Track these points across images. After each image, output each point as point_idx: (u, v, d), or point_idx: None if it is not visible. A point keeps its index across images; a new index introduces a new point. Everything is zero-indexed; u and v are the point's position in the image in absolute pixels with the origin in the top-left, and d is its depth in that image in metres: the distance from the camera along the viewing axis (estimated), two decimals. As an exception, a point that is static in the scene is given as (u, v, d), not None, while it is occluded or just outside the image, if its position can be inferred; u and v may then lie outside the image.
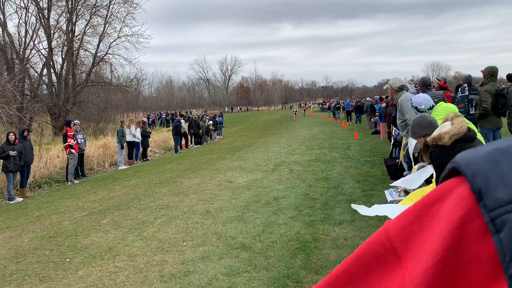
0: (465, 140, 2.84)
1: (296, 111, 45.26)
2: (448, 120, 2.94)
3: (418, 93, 5.83)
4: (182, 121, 21.03)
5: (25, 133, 10.65)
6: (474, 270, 0.38)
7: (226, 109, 72.23)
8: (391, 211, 3.13)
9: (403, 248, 0.45)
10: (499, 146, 0.41)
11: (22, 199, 9.89)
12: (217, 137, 26.31)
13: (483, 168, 0.39)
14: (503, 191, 0.37)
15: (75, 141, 12.23)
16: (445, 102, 5.37)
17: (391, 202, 4.44)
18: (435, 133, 2.93)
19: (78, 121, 13.34)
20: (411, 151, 5.13)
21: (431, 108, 4.52)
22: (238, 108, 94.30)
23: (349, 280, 0.49)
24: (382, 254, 0.47)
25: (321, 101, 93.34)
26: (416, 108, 4.59)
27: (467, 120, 3.01)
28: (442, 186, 0.44)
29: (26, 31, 27.49)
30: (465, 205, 0.40)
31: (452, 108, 4.57)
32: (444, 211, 0.42)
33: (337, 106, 36.76)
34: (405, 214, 0.47)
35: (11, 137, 9.83)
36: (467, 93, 7.76)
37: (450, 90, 8.94)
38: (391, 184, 5.18)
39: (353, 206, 3.80)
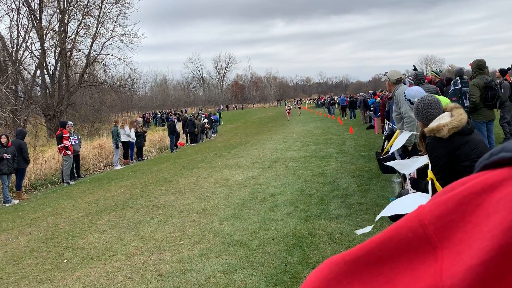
0: (463, 133, 2.79)
1: (289, 109, 38.43)
2: (447, 110, 2.87)
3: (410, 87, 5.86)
4: (175, 119, 21.05)
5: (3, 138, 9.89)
6: None
7: (222, 107, 72.17)
8: (411, 203, 3.06)
9: (440, 238, 0.41)
10: None
11: (18, 201, 9.86)
12: (212, 135, 26.30)
13: None
14: None
15: (70, 142, 12.18)
16: (438, 95, 5.39)
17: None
18: (434, 124, 2.86)
19: (71, 122, 13.28)
20: (400, 143, 5.14)
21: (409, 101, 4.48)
22: (233, 106, 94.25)
23: (371, 262, 0.45)
24: (413, 241, 0.43)
25: (315, 97, 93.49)
26: (409, 101, 4.60)
27: None
28: (490, 175, 0.40)
29: (18, 33, 27.36)
30: None
31: (444, 101, 4.58)
32: (494, 205, 0.38)
33: (331, 101, 36.79)
34: (444, 201, 0.43)
35: (3, 139, 9.78)
36: (459, 86, 7.80)
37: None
38: (385, 163, 5.13)
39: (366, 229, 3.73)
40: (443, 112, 2.94)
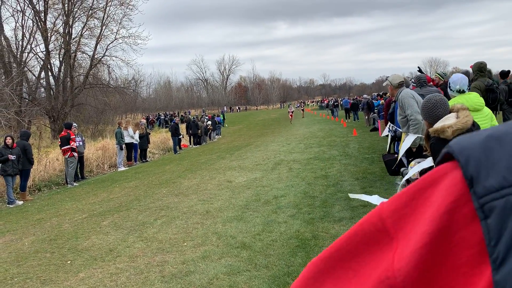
0: None
1: (292, 112, 36.27)
2: (454, 111, 2.83)
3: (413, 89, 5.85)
4: (178, 121, 21.09)
5: (8, 140, 9.96)
6: (461, 253, 0.40)
7: (225, 109, 72.23)
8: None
9: (395, 229, 0.46)
10: (493, 133, 0.41)
11: (22, 202, 9.90)
12: (216, 137, 26.32)
13: (475, 155, 0.40)
14: (493, 179, 0.38)
15: (76, 144, 12.27)
16: None
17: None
18: (439, 124, 2.83)
19: (75, 124, 13.34)
20: (406, 146, 5.14)
21: (459, 91, 4.34)
22: (237, 108, 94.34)
23: (342, 257, 0.50)
24: (374, 234, 0.48)
25: (319, 99, 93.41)
26: (449, 85, 4.45)
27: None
28: (436, 170, 0.46)
29: (23, 35, 27.49)
30: (456, 191, 0.41)
31: (473, 99, 4.26)
32: (436, 195, 0.43)
33: (335, 104, 36.77)
34: (398, 196, 0.48)
35: (8, 141, 9.83)
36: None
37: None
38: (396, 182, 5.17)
39: (351, 195, 3.80)
40: (450, 112, 2.90)
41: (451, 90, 4.46)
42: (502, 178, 0.38)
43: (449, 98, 6.43)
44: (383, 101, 14.83)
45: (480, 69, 7.20)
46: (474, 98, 4.26)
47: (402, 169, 4.31)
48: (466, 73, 8.18)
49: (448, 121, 2.80)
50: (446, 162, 0.45)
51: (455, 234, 0.41)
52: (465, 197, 0.40)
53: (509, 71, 8.53)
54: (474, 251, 0.39)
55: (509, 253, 0.36)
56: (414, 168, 3.87)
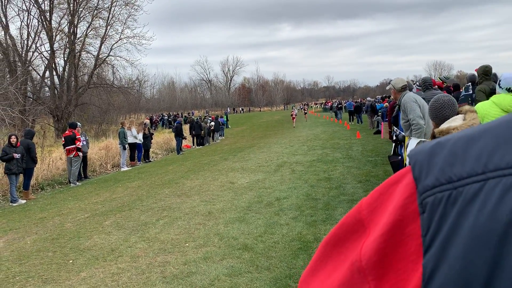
0: None
1: (295, 114, 34.45)
2: (461, 113, 2.78)
3: (416, 93, 5.83)
4: (182, 122, 21.10)
5: (12, 139, 9.96)
6: (410, 243, 0.46)
7: (228, 110, 72.25)
8: None
9: (369, 220, 0.54)
10: (441, 139, 0.47)
11: (25, 201, 9.93)
12: (219, 138, 26.33)
13: (421, 159, 0.47)
14: (429, 179, 0.44)
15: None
16: None
17: None
18: (445, 125, 2.78)
19: (79, 124, 13.39)
20: (409, 150, 5.11)
21: (508, 90, 4.16)
22: (240, 109, 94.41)
23: (335, 243, 0.58)
24: (354, 224, 0.56)
25: (323, 101, 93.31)
26: (499, 81, 4.29)
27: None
28: (401, 170, 0.52)
29: (28, 34, 27.63)
30: (408, 189, 0.48)
31: (503, 101, 4.06)
32: (397, 191, 0.50)
33: (339, 106, 36.74)
34: (374, 191, 0.56)
35: (13, 139, 9.87)
36: (470, 92, 7.74)
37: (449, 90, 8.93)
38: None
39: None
40: (458, 114, 2.87)
41: (500, 87, 4.32)
42: (435, 178, 0.44)
43: (457, 100, 6.37)
44: (386, 104, 14.79)
45: (486, 73, 7.17)
46: (505, 97, 4.12)
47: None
48: (472, 76, 8.15)
49: (454, 122, 2.77)
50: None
51: (406, 227, 0.47)
52: (414, 195, 0.47)
53: None
54: (418, 242, 0.45)
55: (433, 242, 0.42)
56: None
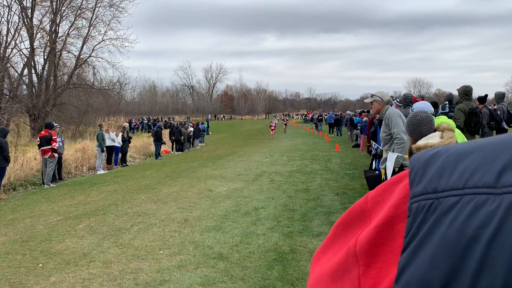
0: None
1: (274, 125, 31.67)
2: (439, 130, 2.81)
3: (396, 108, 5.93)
4: (162, 126, 20.90)
5: None
6: (398, 239, 0.51)
7: (209, 117, 71.94)
8: None
9: (372, 211, 0.60)
10: (440, 150, 0.50)
11: (-5, 201, 9.63)
12: (199, 144, 26.19)
13: (417, 166, 0.50)
14: (418, 186, 0.48)
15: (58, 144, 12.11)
16: None
17: None
18: (422, 142, 2.78)
19: (57, 124, 13.14)
20: (391, 166, 5.18)
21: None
22: (222, 116, 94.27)
23: (345, 226, 0.66)
24: (360, 213, 0.63)
25: (304, 113, 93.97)
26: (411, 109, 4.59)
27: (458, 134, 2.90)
28: (404, 171, 0.56)
29: (8, 30, 27.00)
30: (404, 191, 0.52)
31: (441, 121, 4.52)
32: (396, 190, 0.55)
33: (319, 118, 37.07)
34: (379, 186, 0.62)
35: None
36: (447, 110, 7.93)
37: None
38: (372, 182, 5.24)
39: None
40: (435, 131, 2.92)
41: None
42: (423, 187, 0.47)
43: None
44: (366, 118, 14.99)
45: (466, 93, 7.37)
46: (445, 120, 4.41)
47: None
48: (450, 95, 8.35)
49: (432, 140, 2.79)
50: None
51: (397, 224, 0.52)
52: (407, 197, 0.50)
53: (486, 96, 8.75)
54: (403, 240, 0.49)
55: (409, 244, 0.46)
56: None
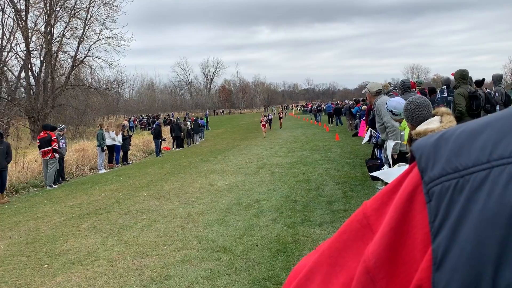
0: None
1: (266, 120, 25.54)
2: (438, 114, 2.78)
3: (393, 96, 5.94)
4: (162, 123, 20.89)
5: None
6: (418, 233, 0.47)
7: (208, 112, 71.82)
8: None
9: (376, 225, 0.54)
10: (443, 134, 0.49)
11: (-2, 204, 9.67)
12: (199, 140, 26.20)
13: (426, 152, 0.49)
14: (435, 169, 0.47)
15: (61, 145, 12.14)
16: None
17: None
18: (421, 127, 2.77)
19: (64, 126, 13.19)
20: (389, 153, 5.21)
21: (391, 111, 4.58)
22: (221, 111, 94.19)
23: (330, 255, 0.58)
24: (360, 231, 0.56)
25: (303, 104, 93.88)
26: (391, 112, 4.68)
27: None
28: (405, 169, 0.54)
29: (3, 33, 26.94)
30: (414, 182, 0.49)
31: None
32: (402, 188, 0.52)
33: (318, 108, 37.01)
34: (379, 195, 0.56)
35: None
36: (445, 95, 7.92)
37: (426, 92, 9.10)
38: (370, 174, 5.26)
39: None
40: (434, 116, 2.89)
41: (395, 115, 4.66)
42: (441, 168, 0.46)
43: (433, 103, 6.56)
44: (364, 106, 14.97)
45: (463, 77, 7.34)
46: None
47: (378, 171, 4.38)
48: (447, 79, 8.34)
49: (431, 124, 2.74)
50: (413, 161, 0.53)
51: (413, 218, 0.48)
52: (419, 187, 0.48)
53: (483, 80, 8.73)
54: (426, 230, 0.46)
55: (442, 227, 0.44)
56: (394, 171, 3.84)
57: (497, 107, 8.00)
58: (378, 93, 5.66)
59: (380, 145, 6.79)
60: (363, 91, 5.99)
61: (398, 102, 4.62)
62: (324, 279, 0.58)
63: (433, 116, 2.89)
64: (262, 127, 24.39)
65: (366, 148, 12.63)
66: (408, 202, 0.49)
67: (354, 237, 0.56)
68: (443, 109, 2.81)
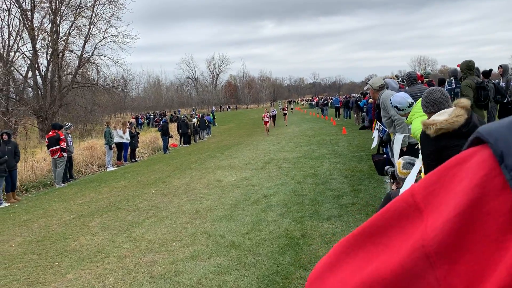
0: (454, 136, 2.56)
1: (268, 117, 23.40)
2: (456, 105, 2.66)
3: (401, 89, 5.91)
4: (168, 120, 20.93)
5: (4, 137, 10.05)
6: (493, 221, 0.44)
7: (214, 108, 71.84)
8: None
9: (425, 204, 0.52)
10: None
11: (9, 203, 9.78)
12: (206, 136, 26.25)
13: (504, 135, 0.46)
14: None
15: (69, 144, 12.24)
16: None
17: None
18: (432, 118, 2.71)
19: (71, 124, 13.28)
20: (398, 146, 5.18)
21: (410, 105, 4.55)
22: (227, 107, 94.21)
23: (372, 234, 0.57)
24: (405, 209, 0.54)
25: (309, 98, 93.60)
26: (396, 107, 4.66)
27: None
28: (463, 152, 0.51)
29: (10, 34, 27.16)
30: (486, 166, 0.46)
31: None
32: (465, 171, 0.49)
33: (325, 102, 36.88)
34: (429, 176, 0.54)
35: (5, 137, 9.73)
36: (453, 86, 7.86)
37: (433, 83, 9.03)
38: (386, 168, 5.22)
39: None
40: (453, 106, 2.73)
41: (400, 110, 4.64)
42: None
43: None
44: (371, 100, 14.90)
45: (469, 67, 7.27)
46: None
47: (386, 167, 4.33)
48: (454, 70, 8.26)
49: (440, 116, 2.68)
50: (472, 146, 0.51)
51: (486, 204, 0.45)
52: (495, 171, 0.45)
53: (491, 70, 8.64)
54: (505, 218, 0.43)
55: None
56: (408, 178, 3.60)
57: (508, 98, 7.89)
58: (381, 88, 5.64)
59: (386, 142, 6.76)
60: (365, 88, 5.97)
61: (402, 97, 4.60)
62: (365, 256, 0.56)
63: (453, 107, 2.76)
64: (265, 125, 22.47)
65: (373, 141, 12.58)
66: (479, 187, 0.46)
67: (399, 216, 0.54)
68: (463, 100, 2.68)
